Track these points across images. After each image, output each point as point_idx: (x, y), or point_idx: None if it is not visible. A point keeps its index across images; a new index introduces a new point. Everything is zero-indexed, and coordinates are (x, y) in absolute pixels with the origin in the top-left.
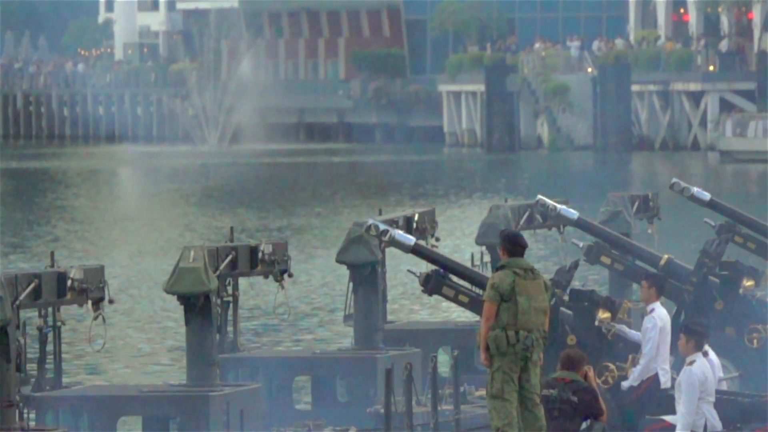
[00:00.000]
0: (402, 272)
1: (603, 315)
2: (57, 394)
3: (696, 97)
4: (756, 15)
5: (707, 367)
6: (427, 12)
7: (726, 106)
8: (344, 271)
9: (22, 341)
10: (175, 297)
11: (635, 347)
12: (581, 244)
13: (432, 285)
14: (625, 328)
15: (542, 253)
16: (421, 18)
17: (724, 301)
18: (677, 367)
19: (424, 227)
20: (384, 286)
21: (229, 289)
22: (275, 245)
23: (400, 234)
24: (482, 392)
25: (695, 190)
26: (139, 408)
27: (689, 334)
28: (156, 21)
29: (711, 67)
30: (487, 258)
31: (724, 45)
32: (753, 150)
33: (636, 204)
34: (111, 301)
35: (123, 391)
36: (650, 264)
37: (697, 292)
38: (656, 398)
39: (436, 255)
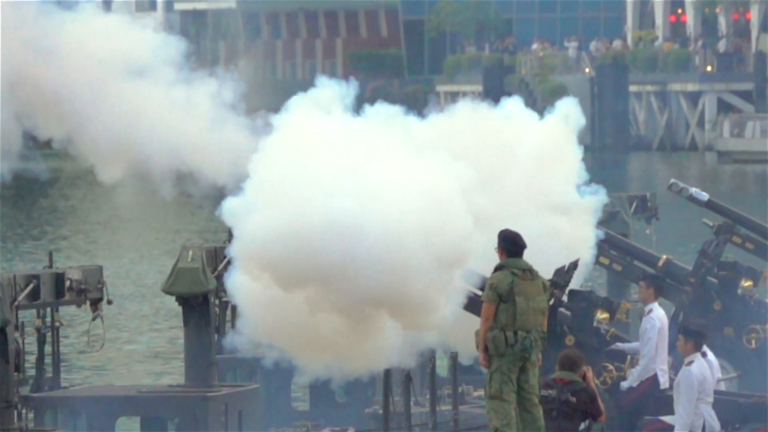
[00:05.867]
0: None
1: (601, 315)
2: (55, 394)
3: (694, 98)
4: (754, 15)
5: (706, 367)
6: (424, 12)
7: (724, 107)
8: None
9: (20, 342)
10: (174, 297)
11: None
12: None
13: None
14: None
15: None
16: (419, 18)
17: (722, 301)
18: (676, 367)
19: None
20: None
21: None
22: None
23: None
24: (481, 392)
25: (693, 190)
26: (137, 408)
27: (688, 334)
28: (153, 21)
29: (709, 68)
30: None
31: (721, 45)
32: (751, 150)
33: (634, 204)
34: (109, 302)
35: (121, 392)
36: (648, 264)
37: (695, 292)
38: (655, 399)
39: None
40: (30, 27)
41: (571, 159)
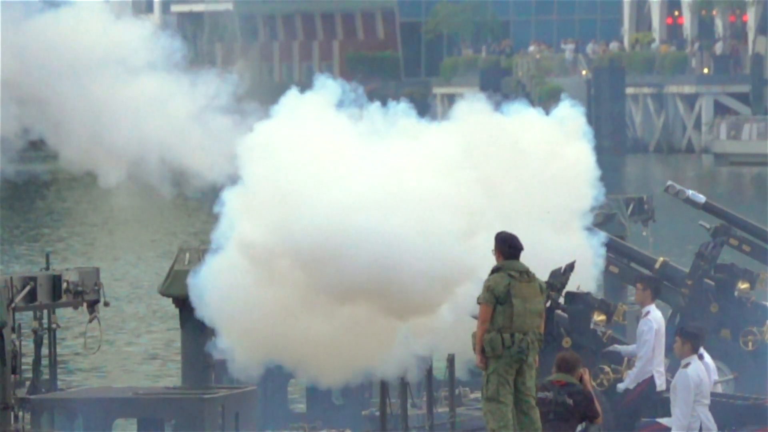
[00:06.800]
0: None
1: (598, 317)
2: (52, 396)
3: (690, 100)
4: (750, 17)
5: (702, 369)
6: (421, 15)
7: (720, 109)
8: None
9: (17, 344)
10: (171, 299)
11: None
12: None
13: None
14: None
15: None
16: (416, 21)
17: (719, 303)
18: (672, 369)
19: None
20: None
21: None
22: None
23: None
24: (477, 395)
25: (690, 192)
26: (134, 410)
27: (685, 336)
28: (150, 23)
29: (705, 70)
30: None
31: (718, 47)
32: (747, 153)
33: (631, 206)
34: (106, 304)
35: (118, 394)
36: (645, 266)
37: (692, 294)
38: (651, 401)
39: None
40: (19, 26)
41: (579, 161)
